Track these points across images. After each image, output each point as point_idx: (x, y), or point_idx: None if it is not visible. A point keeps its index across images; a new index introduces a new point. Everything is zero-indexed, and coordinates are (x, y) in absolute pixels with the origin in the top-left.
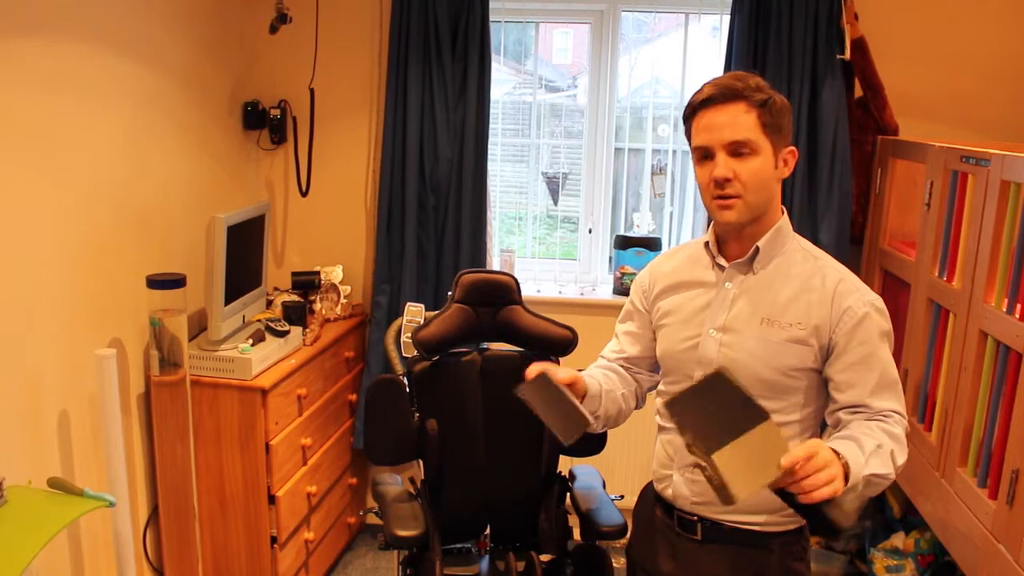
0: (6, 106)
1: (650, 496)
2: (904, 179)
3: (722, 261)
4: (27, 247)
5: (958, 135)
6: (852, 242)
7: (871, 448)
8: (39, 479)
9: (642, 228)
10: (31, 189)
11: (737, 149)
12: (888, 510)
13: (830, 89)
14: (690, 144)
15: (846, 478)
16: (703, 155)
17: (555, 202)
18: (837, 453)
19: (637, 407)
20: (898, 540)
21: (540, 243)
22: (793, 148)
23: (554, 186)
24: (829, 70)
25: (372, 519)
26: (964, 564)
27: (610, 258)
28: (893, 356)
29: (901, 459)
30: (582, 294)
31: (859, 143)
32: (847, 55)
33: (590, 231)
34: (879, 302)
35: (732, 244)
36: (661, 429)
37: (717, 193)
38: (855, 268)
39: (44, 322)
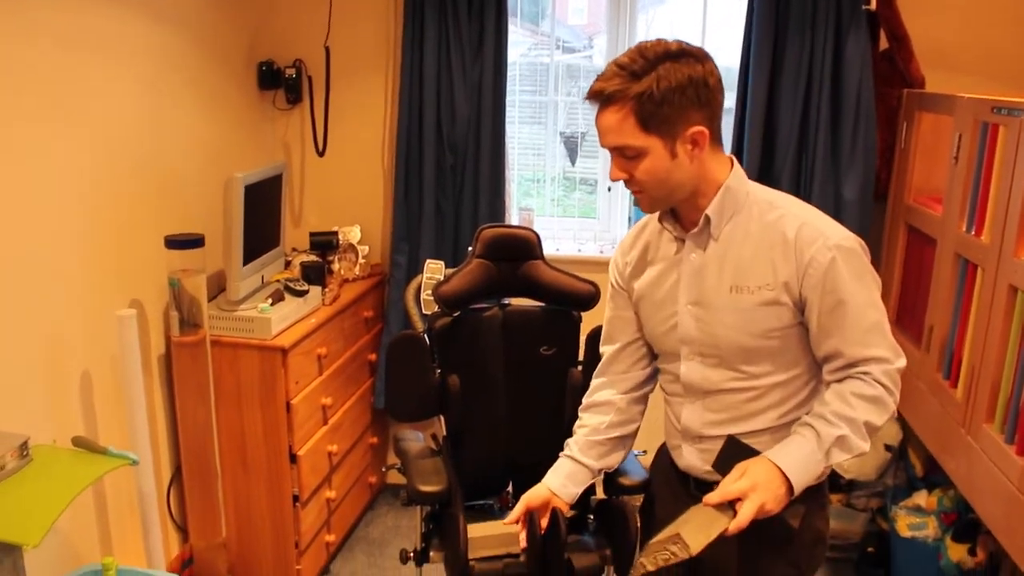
0: (23, 64)
1: (666, 458)
2: (930, 133)
3: (680, 233)
4: (46, 208)
5: (986, 87)
6: (876, 198)
7: (831, 440)
8: (63, 439)
9: None
10: (48, 149)
11: (622, 152)
12: (911, 469)
13: (855, 41)
14: None
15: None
16: None
17: (572, 163)
18: (781, 471)
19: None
20: (920, 499)
21: (558, 205)
22: (699, 130)
23: (572, 146)
24: (854, 21)
25: (393, 477)
26: (990, 521)
27: (629, 217)
28: (918, 312)
29: (881, 420)
30: (601, 252)
31: (884, 96)
32: (872, 5)
33: (609, 189)
34: (848, 240)
35: (685, 212)
36: (667, 401)
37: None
38: (879, 225)
39: (65, 284)
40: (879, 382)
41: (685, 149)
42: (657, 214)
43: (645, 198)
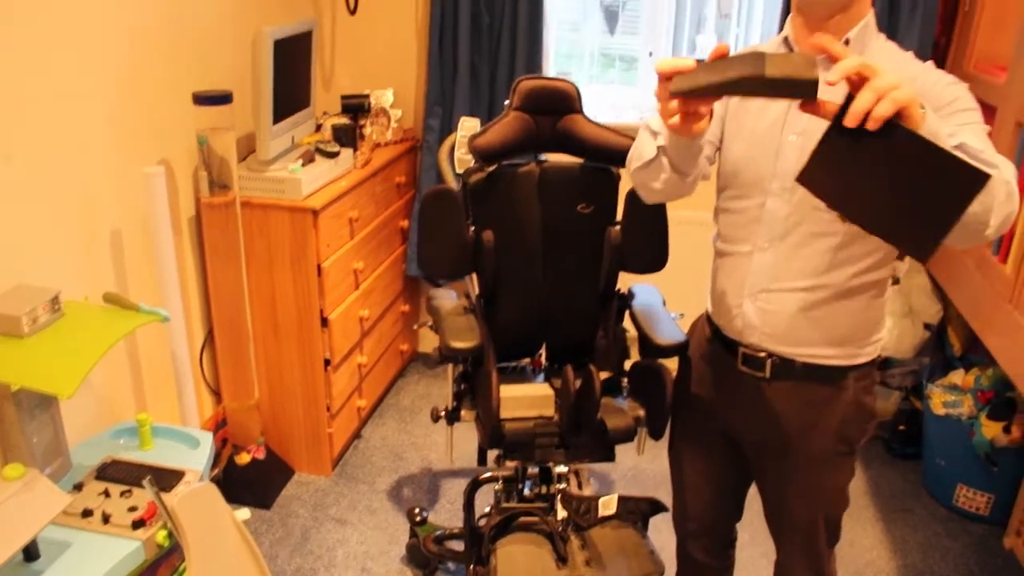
0: None
1: (704, 332)
2: None
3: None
4: (74, 64)
5: None
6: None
7: (950, 129)
8: (95, 296)
9: (706, 51)
10: (73, 3)
11: None
12: (949, 348)
13: None
14: None
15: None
16: None
17: (612, 32)
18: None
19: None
20: (957, 377)
21: (595, 81)
22: None
23: (612, 16)
24: None
25: (424, 344)
26: None
27: None
28: None
29: (1005, 165)
30: (642, 119)
31: None
32: None
33: (651, 55)
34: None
35: (825, 30)
36: (722, 255)
37: None
38: None
39: (94, 140)
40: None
41: None
42: (779, 39)
43: None
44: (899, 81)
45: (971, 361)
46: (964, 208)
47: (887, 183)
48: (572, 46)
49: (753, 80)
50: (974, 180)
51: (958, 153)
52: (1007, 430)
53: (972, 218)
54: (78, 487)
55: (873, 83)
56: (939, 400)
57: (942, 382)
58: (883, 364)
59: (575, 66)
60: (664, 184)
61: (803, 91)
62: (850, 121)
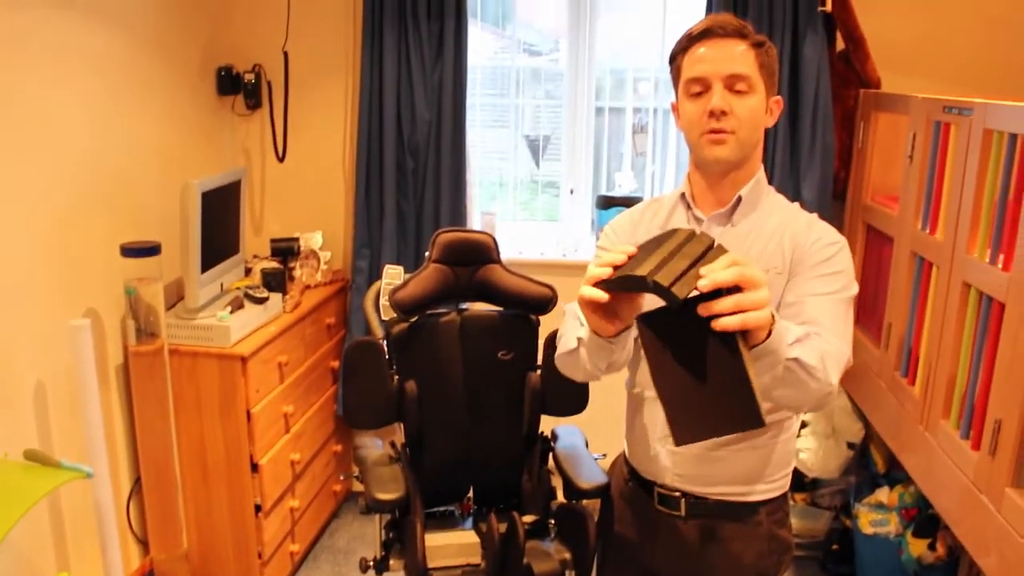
0: None
1: (623, 472)
2: (887, 133)
3: (700, 213)
4: (1, 218)
5: (941, 87)
6: (834, 198)
7: (799, 334)
8: (16, 452)
9: (624, 188)
10: (1, 156)
11: (735, 84)
12: (872, 466)
13: (812, 43)
14: (676, 81)
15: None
16: (697, 89)
17: (537, 164)
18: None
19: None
20: (882, 495)
21: (524, 208)
22: (779, 98)
23: (535, 148)
24: (810, 23)
25: (357, 485)
26: (947, 515)
27: (592, 220)
28: (877, 310)
29: (834, 372)
30: (564, 255)
31: (841, 97)
32: (828, 7)
33: (572, 192)
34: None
35: (709, 195)
36: (634, 399)
37: (711, 127)
38: (838, 224)
39: (17, 293)
40: (839, 361)
41: (770, 110)
42: (676, 194)
43: (732, 140)
44: (764, 301)
45: (895, 478)
46: (730, 433)
47: (694, 370)
48: (501, 174)
49: (637, 280)
50: (751, 420)
51: (759, 388)
52: (932, 547)
53: (789, 403)
54: None
55: (740, 295)
56: (867, 519)
57: (868, 500)
58: (811, 484)
59: (504, 193)
60: (585, 376)
61: (670, 302)
62: (702, 311)
